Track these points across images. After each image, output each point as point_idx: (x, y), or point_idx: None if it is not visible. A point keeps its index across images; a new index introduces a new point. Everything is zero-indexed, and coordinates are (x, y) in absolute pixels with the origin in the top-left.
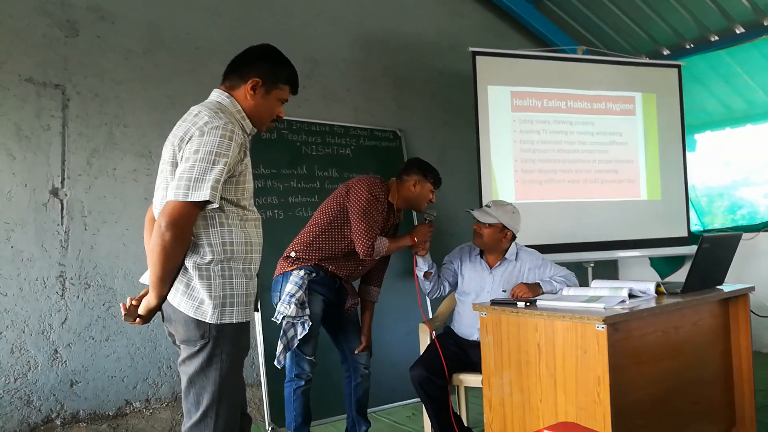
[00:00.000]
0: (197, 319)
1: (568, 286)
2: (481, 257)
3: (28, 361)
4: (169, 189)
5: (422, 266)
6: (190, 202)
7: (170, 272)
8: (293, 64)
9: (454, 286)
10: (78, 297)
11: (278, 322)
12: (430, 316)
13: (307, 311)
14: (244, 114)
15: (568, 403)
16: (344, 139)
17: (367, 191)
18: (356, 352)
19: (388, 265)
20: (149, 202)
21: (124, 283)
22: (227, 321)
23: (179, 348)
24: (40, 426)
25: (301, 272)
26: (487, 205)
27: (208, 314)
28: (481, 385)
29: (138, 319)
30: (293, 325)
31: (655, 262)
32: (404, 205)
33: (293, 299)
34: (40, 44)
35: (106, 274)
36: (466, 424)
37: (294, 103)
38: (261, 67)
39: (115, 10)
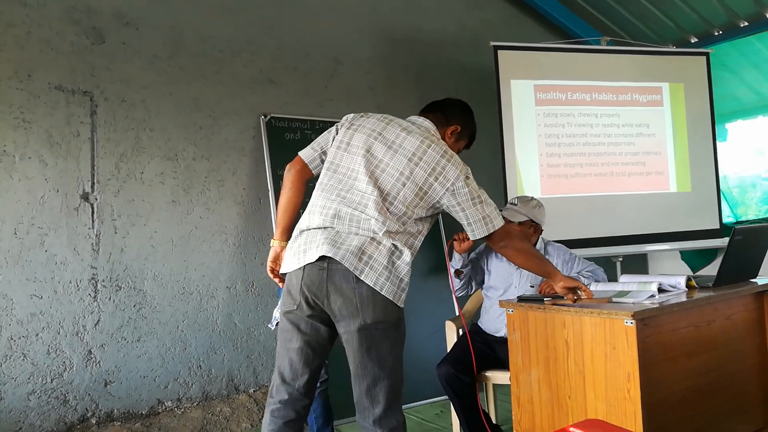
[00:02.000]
0: (394, 303)
1: (596, 281)
2: None
3: (64, 362)
4: (475, 228)
5: (455, 263)
6: (504, 223)
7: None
8: (315, 64)
9: (480, 284)
10: (110, 299)
11: (273, 328)
12: (457, 314)
13: None
14: None
15: (597, 400)
16: None
17: None
18: None
19: None
20: (176, 205)
21: (153, 285)
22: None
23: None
24: (76, 425)
25: None
26: (512, 203)
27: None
28: (509, 382)
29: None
30: None
31: (686, 256)
32: None
33: None
34: (68, 52)
35: (136, 276)
36: (494, 421)
37: (317, 103)
38: (463, 119)
39: (138, 16)
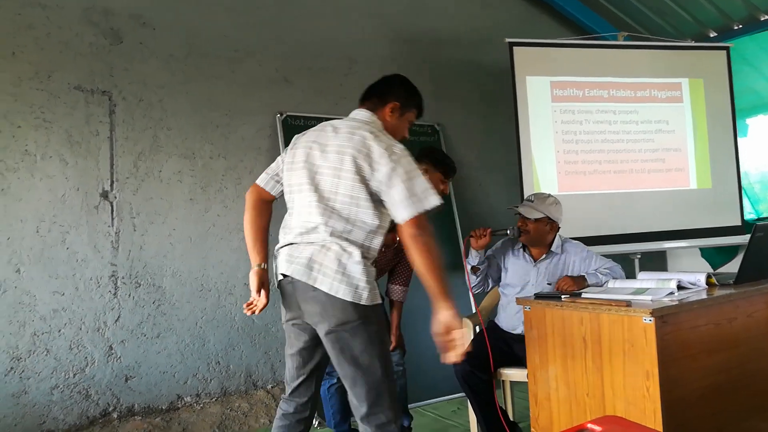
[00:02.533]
0: (351, 302)
1: (614, 278)
2: (524, 250)
3: (86, 357)
4: (401, 208)
5: (472, 260)
6: (426, 209)
7: (441, 271)
8: (330, 63)
9: (497, 281)
10: (129, 295)
11: None
12: (474, 311)
13: None
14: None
15: (616, 398)
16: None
17: None
18: None
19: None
20: (194, 203)
21: (172, 282)
22: (372, 302)
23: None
24: (98, 419)
25: None
26: (529, 200)
27: (363, 296)
28: (526, 380)
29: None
30: None
31: (706, 253)
32: None
33: None
34: (87, 53)
35: (155, 273)
36: (511, 419)
37: (332, 102)
38: (398, 92)
39: (155, 17)
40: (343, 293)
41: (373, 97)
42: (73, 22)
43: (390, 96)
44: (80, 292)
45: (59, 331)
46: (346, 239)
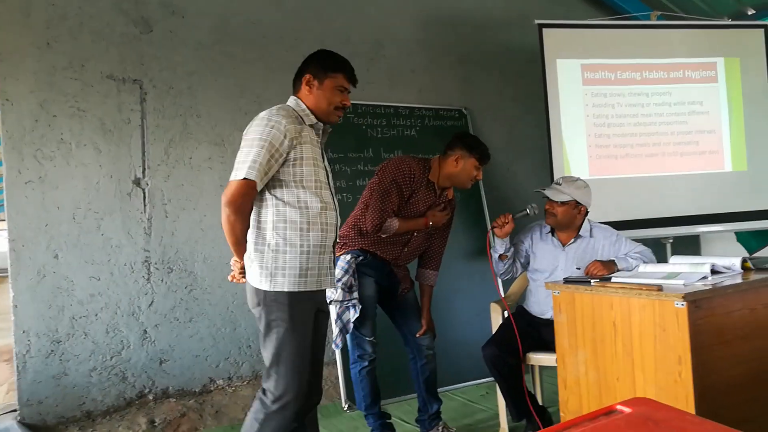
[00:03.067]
0: (255, 287)
1: (644, 262)
2: (553, 235)
3: (122, 341)
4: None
5: (498, 248)
6: (238, 180)
7: (233, 243)
8: (357, 48)
9: (525, 267)
10: (162, 281)
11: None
12: (500, 297)
13: (355, 294)
14: (307, 111)
15: (646, 383)
16: (409, 120)
17: (391, 172)
18: (417, 335)
19: (444, 248)
20: (224, 189)
21: (203, 267)
22: (278, 289)
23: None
24: (134, 401)
25: (348, 256)
26: (557, 183)
27: (263, 283)
28: (554, 365)
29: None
30: (346, 308)
31: (741, 237)
32: (447, 182)
33: (339, 283)
34: (119, 42)
35: (187, 258)
36: (540, 403)
37: (359, 87)
38: (311, 65)
39: (184, 5)
40: (252, 280)
41: (294, 81)
42: (104, 12)
43: (304, 71)
44: (115, 278)
45: (96, 315)
46: (259, 227)
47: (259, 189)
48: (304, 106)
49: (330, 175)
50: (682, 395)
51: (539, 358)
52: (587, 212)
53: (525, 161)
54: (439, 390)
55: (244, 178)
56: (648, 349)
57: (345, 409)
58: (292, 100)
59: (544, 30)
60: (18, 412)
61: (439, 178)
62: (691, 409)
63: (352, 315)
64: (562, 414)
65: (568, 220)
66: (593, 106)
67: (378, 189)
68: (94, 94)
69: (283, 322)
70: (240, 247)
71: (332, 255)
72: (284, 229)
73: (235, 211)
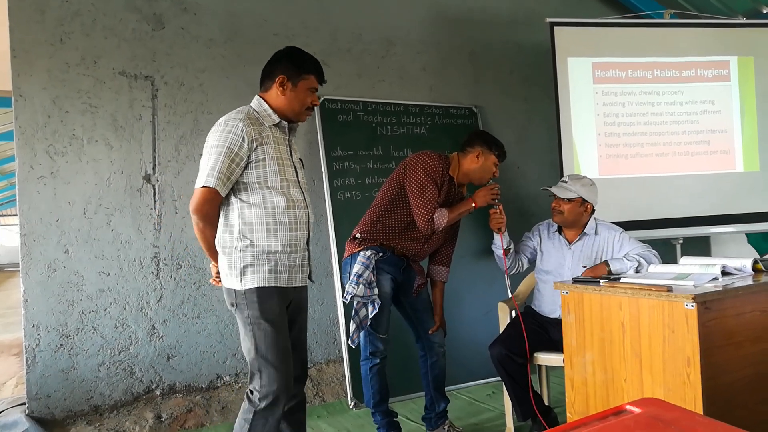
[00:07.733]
0: (227, 288)
1: (648, 263)
2: (560, 233)
3: (130, 336)
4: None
5: (504, 243)
6: (199, 188)
7: (205, 249)
8: (368, 46)
9: (531, 262)
10: (171, 276)
11: (347, 302)
12: (510, 296)
13: (376, 291)
14: (270, 111)
15: (655, 384)
16: (419, 118)
17: (423, 166)
18: (430, 332)
19: (455, 245)
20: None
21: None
22: (249, 287)
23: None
24: (142, 395)
25: (368, 252)
26: (563, 180)
27: (234, 282)
28: (562, 365)
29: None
30: (364, 304)
31: (753, 238)
32: (465, 179)
33: (361, 279)
34: (131, 39)
35: (196, 255)
36: (546, 403)
37: (369, 85)
38: (284, 66)
39: (196, 2)
40: (224, 281)
41: (263, 80)
42: (117, 9)
43: (276, 71)
44: (124, 273)
45: (105, 310)
46: (225, 227)
47: (223, 194)
48: (266, 107)
49: (300, 173)
50: (690, 396)
51: (546, 358)
52: (593, 210)
53: (535, 160)
54: (446, 389)
55: (204, 186)
56: (657, 351)
57: (351, 406)
58: (255, 101)
59: (556, 28)
60: (27, 405)
61: (458, 174)
62: (699, 410)
63: (370, 311)
64: (569, 415)
65: (575, 218)
66: (603, 104)
67: (415, 186)
68: (106, 90)
69: (256, 318)
70: (213, 251)
71: (306, 252)
72: (251, 231)
73: (202, 218)
